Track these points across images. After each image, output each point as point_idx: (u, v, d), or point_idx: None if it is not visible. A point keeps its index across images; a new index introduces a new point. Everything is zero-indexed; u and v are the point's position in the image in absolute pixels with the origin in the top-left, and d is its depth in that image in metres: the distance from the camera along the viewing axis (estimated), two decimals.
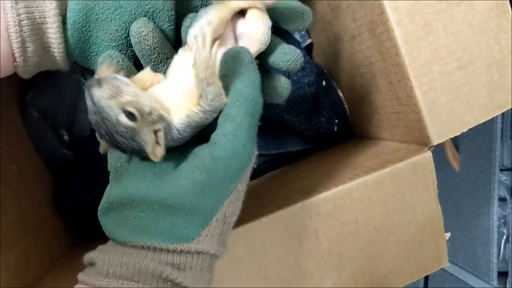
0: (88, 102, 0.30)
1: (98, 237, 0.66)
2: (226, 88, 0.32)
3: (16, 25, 0.33)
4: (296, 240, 0.46)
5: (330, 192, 0.46)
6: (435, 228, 0.50)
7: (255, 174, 0.65)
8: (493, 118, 0.48)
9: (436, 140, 0.48)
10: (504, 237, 0.76)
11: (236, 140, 0.31)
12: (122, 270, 0.30)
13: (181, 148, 0.33)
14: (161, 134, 0.31)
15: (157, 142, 0.31)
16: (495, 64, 0.48)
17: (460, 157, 0.75)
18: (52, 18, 0.34)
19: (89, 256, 0.34)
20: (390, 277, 0.50)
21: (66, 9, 0.35)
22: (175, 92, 0.32)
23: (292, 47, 0.37)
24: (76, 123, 0.66)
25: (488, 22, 0.47)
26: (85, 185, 0.65)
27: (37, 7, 0.34)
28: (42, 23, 0.35)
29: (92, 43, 0.36)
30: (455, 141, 0.76)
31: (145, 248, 0.31)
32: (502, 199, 0.76)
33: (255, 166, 0.34)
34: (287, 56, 0.37)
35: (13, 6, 0.33)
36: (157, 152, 0.31)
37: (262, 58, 0.37)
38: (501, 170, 0.74)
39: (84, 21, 0.35)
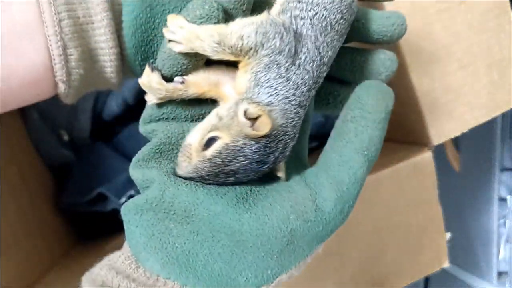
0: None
1: (97, 237, 0.66)
2: (353, 123, 0.25)
3: (55, 26, 0.26)
4: None
5: None
6: (435, 228, 0.50)
7: None
8: (493, 118, 0.48)
9: (436, 140, 0.48)
10: (504, 237, 0.76)
11: (347, 196, 0.25)
12: None
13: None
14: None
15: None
16: (495, 64, 0.48)
17: (460, 157, 0.75)
18: (100, 15, 0.27)
19: (99, 277, 0.24)
20: (390, 278, 0.50)
21: (118, 5, 0.28)
22: None
23: (391, 10, 0.30)
24: (76, 124, 0.66)
25: (488, 23, 0.47)
26: (84, 185, 0.65)
27: (81, 3, 0.27)
28: (87, 23, 0.27)
29: (157, 44, 0.28)
30: (455, 141, 0.76)
31: None
32: (502, 199, 0.76)
33: None
34: (391, 19, 0.29)
35: (50, 3, 0.26)
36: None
37: (361, 34, 0.30)
38: (501, 170, 0.74)
39: (148, 15, 0.27)
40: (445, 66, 0.47)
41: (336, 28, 0.26)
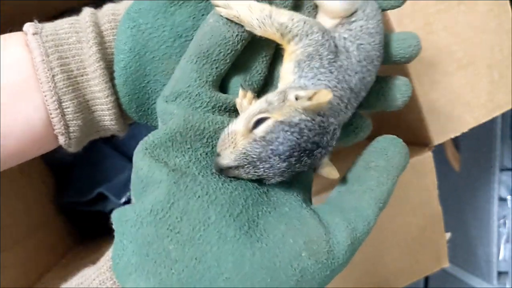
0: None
1: (98, 237, 0.66)
2: (370, 172, 0.26)
3: (49, 82, 0.26)
4: None
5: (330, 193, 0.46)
6: (435, 228, 0.50)
7: None
8: (493, 118, 0.48)
9: (436, 140, 0.48)
10: (504, 237, 0.76)
11: (357, 244, 0.24)
12: None
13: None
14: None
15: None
16: (496, 64, 0.48)
17: (460, 157, 0.75)
18: (93, 66, 0.27)
19: None
20: (390, 278, 0.50)
21: (111, 54, 0.28)
22: None
23: (405, 32, 0.31)
24: None
25: (488, 23, 0.47)
26: (84, 185, 0.65)
27: (74, 56, 0.27)
28: (82, 75, 0.27)
29: (151, 90, 0.27)
30: (456, 141, 0.76)
31: None
32: (502, 199, 0.76)
33: None
34: (407, 41, 0.30)
35: (43, 60, 0.26)
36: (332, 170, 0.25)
37: None
38: (501, 170, 0.74)
39: (138, 63, 0.27)
40: (445, 66, 0.47)
41: (375, 63, 0.27)
